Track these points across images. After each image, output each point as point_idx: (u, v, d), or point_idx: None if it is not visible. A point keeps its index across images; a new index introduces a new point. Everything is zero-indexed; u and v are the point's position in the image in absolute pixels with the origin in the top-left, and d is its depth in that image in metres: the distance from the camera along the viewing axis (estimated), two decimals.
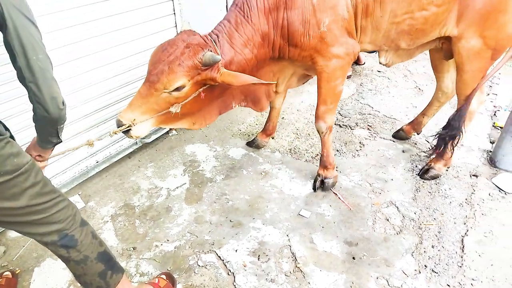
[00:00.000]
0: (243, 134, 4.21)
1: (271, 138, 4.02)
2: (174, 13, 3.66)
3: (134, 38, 3.41)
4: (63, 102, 1.64)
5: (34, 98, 1.56)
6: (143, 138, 3.79)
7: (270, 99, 3.25)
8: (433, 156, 3.54)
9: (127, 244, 2.87)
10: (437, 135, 3.40)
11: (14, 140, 1.66)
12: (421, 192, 3.41)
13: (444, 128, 3.35)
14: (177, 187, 3.44)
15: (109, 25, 3.16)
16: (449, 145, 3.34)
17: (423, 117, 3.96)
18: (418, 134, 4.06)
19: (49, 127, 1.69)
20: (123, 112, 2.44)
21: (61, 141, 1.82)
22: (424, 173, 3.54)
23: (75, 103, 3.11)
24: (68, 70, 2.96)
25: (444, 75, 3.60)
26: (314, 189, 3.39)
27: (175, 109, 2.46)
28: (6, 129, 1.65)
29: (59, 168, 3.20)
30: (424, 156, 3.86)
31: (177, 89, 2.41)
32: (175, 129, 4.18)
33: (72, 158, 3.26)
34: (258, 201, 3.29)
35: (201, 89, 2.51)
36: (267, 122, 3.85)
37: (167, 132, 4.12)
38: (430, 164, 3.54)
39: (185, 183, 3.49)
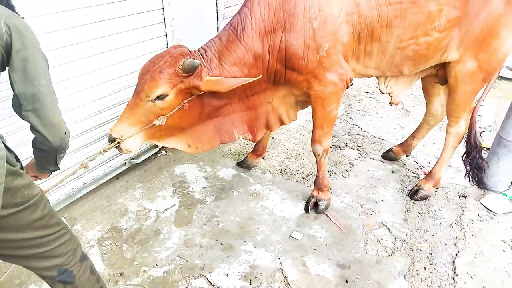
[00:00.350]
0: (233, 154, 4.19)
1: (261, 159, 4.00)
2: (166, 35, 3.67)
3: (126, 59, 3.39)
4: (65, 131, 1.59)
5: (33, 126, 1.51)
6: (132, 159, 3.73)
7: (271, 129, 3.15)
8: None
9: (114, 269, 2.78)
10: (468, 163, 3.57)
11: (23, 170, 1.59)
12: (412, 213, 3.41)
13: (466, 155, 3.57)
14: (166, 209, 3.37)
15: (101, 46, 3.14)
16: (482, 163, 3.53)
17: (413, 139, 4.01)
18: (407, 156, 4.09)
19: (48, 155, 1.64)
20: (113, 126, 2.48)
21: (59, 169, 1.78)
22: (413, 194, 3.56)
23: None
24: (58, 91, 2.91)
25: (434, 98, 3.67)
26: (307, 210, 3.36)
27: (159, 121, 2.47)
28: (17, 159, 1.57)
29: (45, 190, 3.10)
30: (413, 176, 3.89)
31: (161, 98, 2.43)
32: (165, 149, 4.13)
33: (58, 179, 3.17)
34: (249, 223, 3.24)
35: (185, 100, 2.53)
36: (257, 142, 3.84)
37: (157, 153, 4.07)
38: (420, 185, 3.56)
39: (175, 205, 3.43)
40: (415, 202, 3.53)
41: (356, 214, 3.38)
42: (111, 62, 3.27)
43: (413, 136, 4.01)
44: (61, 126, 1.55)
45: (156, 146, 3.99)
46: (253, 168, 3.94)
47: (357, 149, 4.33)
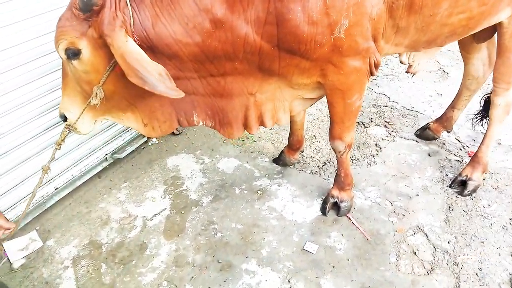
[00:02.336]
0: (236, 140, 3.55)
1: (300, 153, 3.23)
2: None
3: None
4: None
5: None
6: (114, 153, 3.16)
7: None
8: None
9: None
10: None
11: None
12: (455, 211, 2.76)
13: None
14: (155, 215, 2.84)
15: None
16: None
17: (453, 110, 3.26)
18: (448, 132, 3.35)
19: None
20: (61, 101, 2.05)
21: None
22: (462, 188, 2.86)
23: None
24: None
25: (474, 56, 2.92)
26: (324, 212, 2.76)
27: (96, 100, 1.85)
28: None
29: (10, 201, 2.61)
30: (455, 160, 3.18)
31: (75, 56, 1.79)
32: (156, 138, 3.54)
33: (24, 188, 2.66)
34: (252, 231, 2.68)
35: (114, 60, 1.78)
36: (290, 135, 3.07)
37: (146, 141, 3.48)
38: (467, 175, 2.85)
39: (165, 209, 2.88)
40: (458, 196, 2.86)
41: (385, 215, 2.75)
42: None
43: (452, 106, 3.26)
44: None
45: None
46: (259, 157, 3.31)
47: (385, 126, 3.60)
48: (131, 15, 1.74)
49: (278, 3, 1.80)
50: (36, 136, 2.62)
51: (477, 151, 2.89)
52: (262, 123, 2.34)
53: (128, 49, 1.69)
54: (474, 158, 2.89)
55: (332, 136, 2.47)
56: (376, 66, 2.19)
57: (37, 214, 2.79)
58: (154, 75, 1.70)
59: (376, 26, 2.01)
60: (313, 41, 1.89)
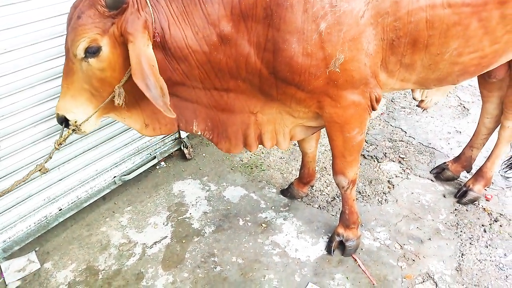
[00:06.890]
0: (244, 167, 3.49)
1: (310, 187, 3.16)
2: None
3: None
4: None
5: None
6: (124, 175, 3.14)
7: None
8: None
9: None
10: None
11: None
12: (468, 259, 2.60)
13: None
14: (155, 243, 2.78)
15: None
16: None
17: (472, 149, 3.15)
18: (468, 172, 3.21)
19: None
20: (58, 102, 1.93)
21: None
22: (461, 197, 3.02)
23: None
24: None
25: (494, 94, 2.84)
26: (329, 251, 2.65)
27: (119, 99, 1.82)
28: None
29: (10, 219, 2.60)
30: (471, 204, 3.02)
31: (94, 54, 1.75)
32: (165, 161, 3.51)
33: (27, 206, 2.66)
34: (253, 267, 2.58)
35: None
36: (301, 168, 3.02)
37: (155, 165, 3.45)
38: (468, 186, 3.00)
39: (166, 237, 2.82)
40: (472, 243, 2.70)
41: (394, 259, 2.61)
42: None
43: (470, 145, 3.15)
44: None
45: (154, 158, 3.38)
46: (266, 188, 3.24)
47: (399, 162, 3.48)
48: (152, 14, 1.76)
49: (275, 33, 1.80)
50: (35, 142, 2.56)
51: (482, 165, 2.99)
52: (261, 143, 2.33)
53: (147, 54, 1.71)
54: (479, 172, 3.00)
55: (335, 171, 2.40)
56: (377, 100, 2.15)
57: (39, 234, 2.77)
58: (158, 88, 1.71)
59: (374, 61, 1.96)
60: (307, 73, 1.87)
